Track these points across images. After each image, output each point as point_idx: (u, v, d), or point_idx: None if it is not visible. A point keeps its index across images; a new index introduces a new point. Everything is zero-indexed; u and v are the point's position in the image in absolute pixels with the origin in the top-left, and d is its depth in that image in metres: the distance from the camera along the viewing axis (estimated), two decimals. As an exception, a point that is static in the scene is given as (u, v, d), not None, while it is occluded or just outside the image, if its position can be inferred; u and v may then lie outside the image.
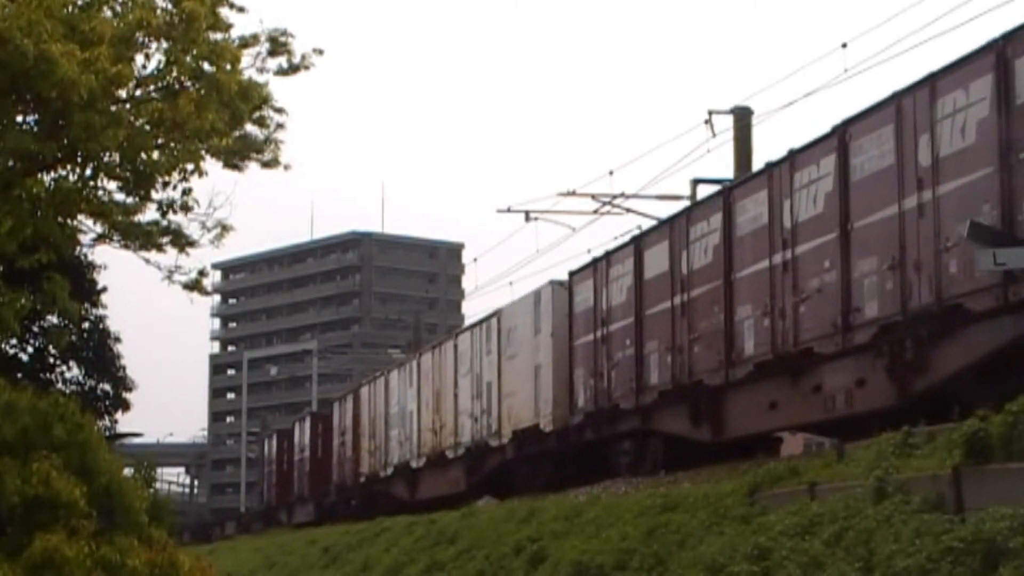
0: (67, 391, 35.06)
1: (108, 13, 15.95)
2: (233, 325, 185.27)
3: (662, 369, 28.65)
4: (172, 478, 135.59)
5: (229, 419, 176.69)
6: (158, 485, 20.70)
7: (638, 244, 30.31)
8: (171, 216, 16.92)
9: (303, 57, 17.30)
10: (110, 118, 15.49)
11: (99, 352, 40.15)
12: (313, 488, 60.12)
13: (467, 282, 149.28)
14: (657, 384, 28.88)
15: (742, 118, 36.56)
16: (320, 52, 17.47)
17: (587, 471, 31.49)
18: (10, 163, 15.78)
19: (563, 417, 33.81)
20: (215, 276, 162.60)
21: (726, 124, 36.69)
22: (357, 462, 53.76)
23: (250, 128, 17.34)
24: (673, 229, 28.70)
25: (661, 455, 29.03)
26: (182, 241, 17.12)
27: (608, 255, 31.90)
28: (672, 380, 28.12)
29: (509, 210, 42.67)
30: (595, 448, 32.39)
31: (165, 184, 16.45)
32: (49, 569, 14.78)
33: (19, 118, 16.01)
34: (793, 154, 24.14)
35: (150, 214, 17.06)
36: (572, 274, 34.24)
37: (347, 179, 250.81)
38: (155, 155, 16.13)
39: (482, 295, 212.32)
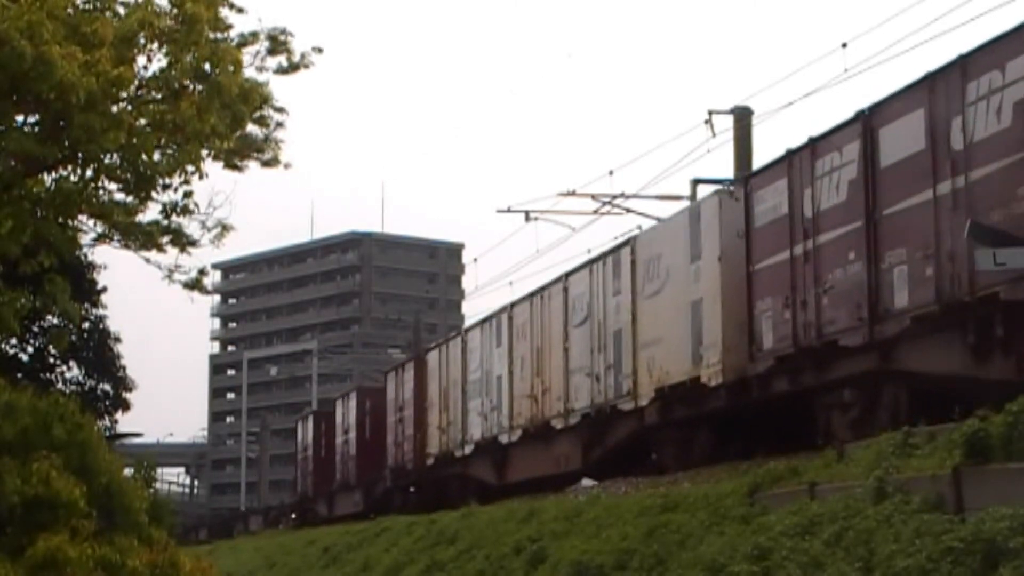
0: (67, 391, 35.08)
1: (110, 15, 15.96)
2: (233, 325, 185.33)
3: (917, 286, 20.92)
4: (172, 478, 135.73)
5: (229, 419, 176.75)
6: (158, 485, 20.68)
7: (867, 121, 22.18)
8: (172, 217, 16.94)
9: (303, 56, 17.33)
10: (111, 120, 15.50)
11: (99, 352, 40.18)
12: (361, 474, 53.26)
13: (467, 282, 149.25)
14: (907, 307, 21.13)
15: (742, 118, 36.55)
16: (320, 51, 17.51)
17: (775, 436, 24.35)
18: (12, 164, 15.78)
19: (738, 365, 25.79)
20: (215, 276, 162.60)
21: (726, 124, 36.69)
22: (422, 441, 45.83)
23: (250, 127, 17.36)
24: (934, 88, 20.69)
25: (906, 405, 21.45)
26: (182, 240, 17.13)
27: (812, 143, 23.81)
28: (937, 298, 20.35)
29: (509, 210, 42.67)
30: (791, 403, 24.67)
31: (166, 186, 16.47)
32: (51, 569, 14.79)
33: (20, 119, 16.02)
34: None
35: (150, 214, 17.09)
36: (750, 177, 26.91)
37: (347, 179, 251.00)
38: (156, 157, 16.14)
39: (482, 295, 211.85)
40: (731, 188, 27.71)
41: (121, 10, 16.06)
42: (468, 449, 41.22)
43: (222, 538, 69.64)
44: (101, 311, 40.76)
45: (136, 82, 15.88)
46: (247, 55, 16.84)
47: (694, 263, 27.43)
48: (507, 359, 38.04)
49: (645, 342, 29.54)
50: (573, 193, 40.47)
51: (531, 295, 36.97)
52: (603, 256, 32.44)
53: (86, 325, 39.54)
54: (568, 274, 34.58)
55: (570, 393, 33.67)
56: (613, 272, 31.61)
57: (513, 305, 38.00)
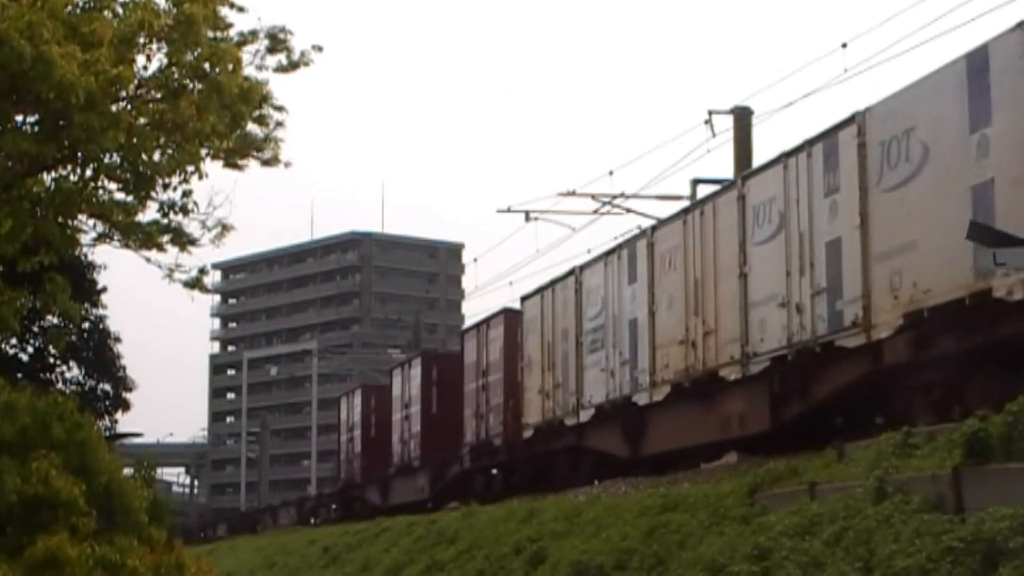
0: (67, 391, 35.07)
1: (109, 15, 15.96)
2: (233, 325, 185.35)
3: None
4: (172, 478, 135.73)
5: (229, 419, 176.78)
6: (157, 485, 20.69)
7: None
8: (172, 216, 16.93)
9: (302, 54, 17.32)
10: (110, 119, 15.50)
11: (99, 352, 40.15)
12: (428, 455, 45.56)
13: (467, 282, 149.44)
14: None
15: (742, 118, 36.56)
16: (319, 49, 17.50)
17: None
18: (9, 164, 15.78)
19: None
20: (215, 276, 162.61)
21: (726, 124, 36.71)
22: (516, 410, 37.58)
23: (250, 126, 17.35)
24: None
25: None
26: (183, 240, 17.12)
27: None
28: None
29: (509, 210, 42.68)
30: None
31: (165, 186, 16.47)
32: (51, 569, 14.79)
33: (20, 119, 16.02)
34: None
35: (150, 213, 17.08)
36: None
37: (347, 179, 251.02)
38: (155, 156, 16.14)
39: (482, 295, 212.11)
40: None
41: (120, 10, 16.06)
42: (586, 415, 32.79)
43: (245, 534, 66.34)
44: (101, 311, 40.76)
45: (135, 81, 15.88)
46: (247, 54, 16.84)
47: (976, 133, 19.59)
48: (646, 297, 29.72)
49: (884, 251, 21.69)
50: (573, 193, 40.48)
51: (684, 212, 28.88)
52: (803, 146, 24.05)
53: (86, 325, 39.51)
54: (746, 176, 26.46)
55: (750, 332, 25.51)
56: (825, 163, 23.35)
57: (655, 228, 29.99)
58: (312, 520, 61.12)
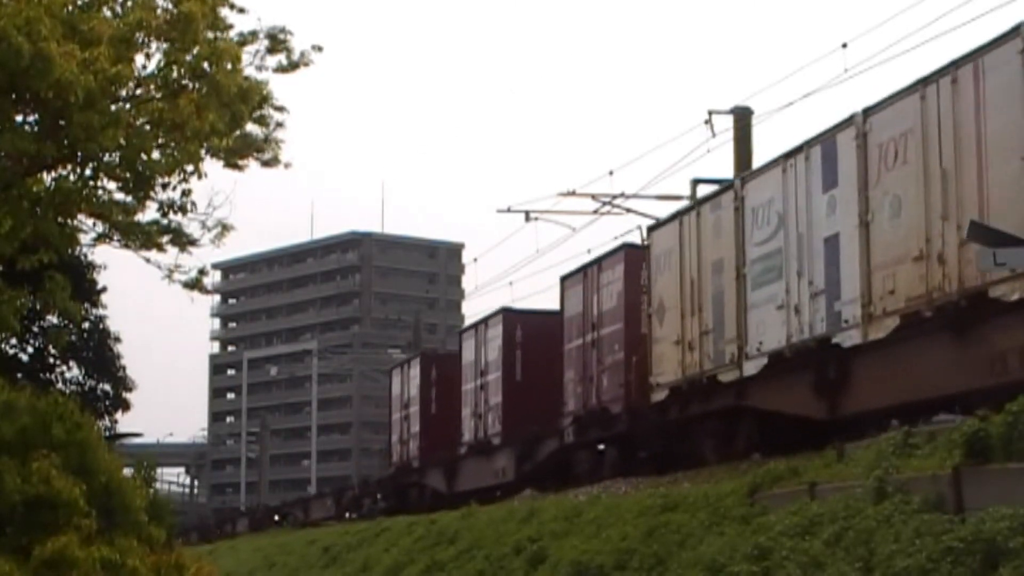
0: (67, 391, 35.04)
1: (108, 13, 15.96)
2: (233, 325, 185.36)
3: None
4: (172, 478, 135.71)
5: (229, 419, 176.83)
6: (158, 485, 20.68)
7: None
8: (171, 216, 16.93)
9: (302, 54, 17.33)
10: (110, 118, 15.49)
11: (99, 352, 40.11)
12: (511, 430, 38.32)
13: (467, 282, 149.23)
14: None
15: (742, 118, 36.56)
16: (319, 49, 17.50)
17: None
18: (9, 163, 15.77)
19: None
20: (215, 276, 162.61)
21: (726, 124, 36.70)
22: (642, 368, 30.12)
23: (250, 127, 17.36)
24: None
25: None
26: (183, 240, 17.12)
27: None
28: None
29: (509, 210, 42.68)
30: None
31: (165, 185, 16.46)
32: (57, 569, 14.79)
33: (19, 118, 16.01)
34: None
35: (150, 213, 17.08)
36: None
37: (347, 179, 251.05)
38: (155, 156, 16.13)
39: (482, 295, 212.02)
40: None
41: (118, 8, 16.05)
42: (753, 367, 25.78)
43: (270, 530, 59.67)
44: (101, 311, 40.71)
45: (134, 80, 15.87)
46: (247, 54, 16.85)
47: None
48: (855, 206, 22.69)
49: None
50: (573, 193, 40.48)
51: (920, 83, 21.08)
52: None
53: (86, 325, 39.46)
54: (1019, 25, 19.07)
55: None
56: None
57: (869, 112, 22.29)
58: (349, 514, 54.88)
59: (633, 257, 31.95)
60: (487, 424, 40.33)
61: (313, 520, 58.07)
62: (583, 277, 34.21)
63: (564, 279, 35.65)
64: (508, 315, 40.10)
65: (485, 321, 41.42)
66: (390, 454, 51.75)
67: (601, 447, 32.83)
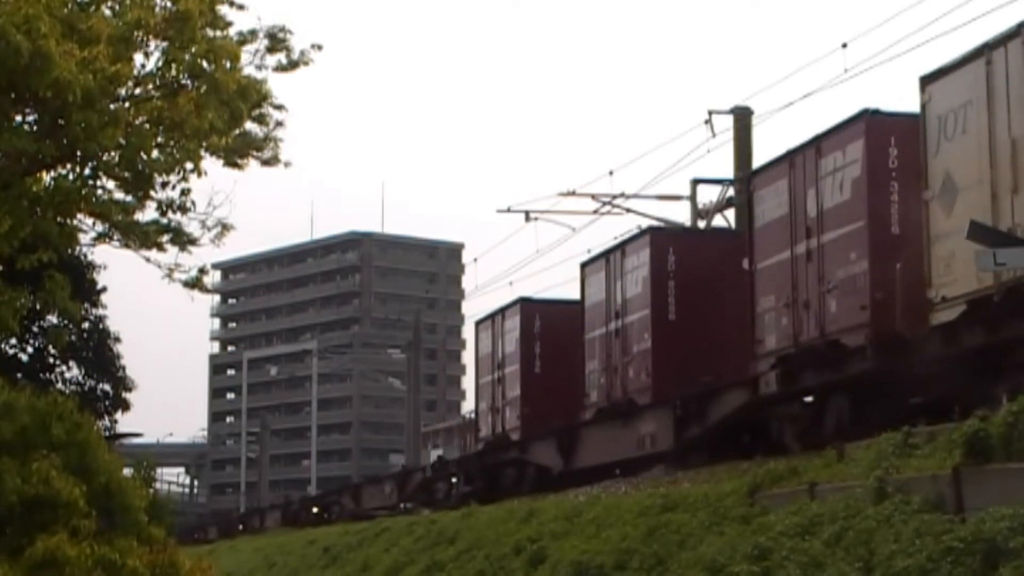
0: (67, 391, 35.06)
1: (107, 12, 15.95)
2: (233, 325, 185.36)
3: None
4: (172, 478, 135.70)
5: (229, 419, 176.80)
6: (158, 485, 20.67)
7: None
8: (171, 215, 16.92)
9: (302, 53, 17.30)
10: (109, 117, 15.47)
11: (99, 352, 40.15)
12: (664, 384, 29.41)
13: (467, 282, 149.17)
14: None
15: (742, 118, 36.61)
16: (319, 48, 17.48)
17: None
18: (8, 163, 15.76)
19: None
20: (215, 276, 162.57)
21: (726, 124, 36.77)
22: (910, 278, 21.52)
23: (250, 126, 17.33)
24: None
25: None
26: (182, 239, 17.10)
27: None
28: None
29: (509, 210, 42.74)
30: None
31: (164, 184, 16.45)
32: (50, 569, 14.77)
33: (18, 117, 16.00)
34: None
35: (150, 213, 17.06)
36: None
37: (347, 179, 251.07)
38: (154, 155, 16.12)
39: (482, 295, 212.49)
40: None
41: (117, 7, 16.04)
42: None
43: (313, 524, 51.48)
44: (101, 311, 40.77)
45: (134, 79, 15.86)
46: (246, 53, 16.82)
47: None
48: None
49: None
50: (573, 193, 40.55)
51: None
52: None
53: (86, 325, 39.51)
54: None
55: None
56: None
57: None
58: (403, 505, 47.25)
59: (874, 128, 23.19)
60: (625, 379, 31.25)
61: (367, 511, 49.40)
62: (788, 168, 25.26)
63: (750, 178, 28.19)
64: (657, 236, 31.63)
65: (624, 246, 32.32)
66: (476, 427, 42.47)
67: (808, 399, 24.78)
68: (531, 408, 37.38)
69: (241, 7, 16.70)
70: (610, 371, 32.09)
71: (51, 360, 38.91)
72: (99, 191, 16.37)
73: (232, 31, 16.69)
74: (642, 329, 30.86)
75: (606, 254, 33.20)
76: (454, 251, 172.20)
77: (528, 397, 37.58)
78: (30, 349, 38.25)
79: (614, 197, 40.09)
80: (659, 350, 30.14)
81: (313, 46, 17.48)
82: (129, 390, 40.88)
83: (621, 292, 31.79)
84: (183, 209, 16.69)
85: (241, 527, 67.28)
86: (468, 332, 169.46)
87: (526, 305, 38.65)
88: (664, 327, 30.20)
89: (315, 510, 58.16)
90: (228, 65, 15.92)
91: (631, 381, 31.08)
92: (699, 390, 27.89)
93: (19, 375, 31.91)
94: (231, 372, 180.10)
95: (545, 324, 37.66)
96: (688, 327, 29.79)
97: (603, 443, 32.19)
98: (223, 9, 16.48)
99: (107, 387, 40.40)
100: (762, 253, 26.03)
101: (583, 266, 34.88)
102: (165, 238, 17.07)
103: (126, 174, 16.05)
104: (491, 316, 40.61)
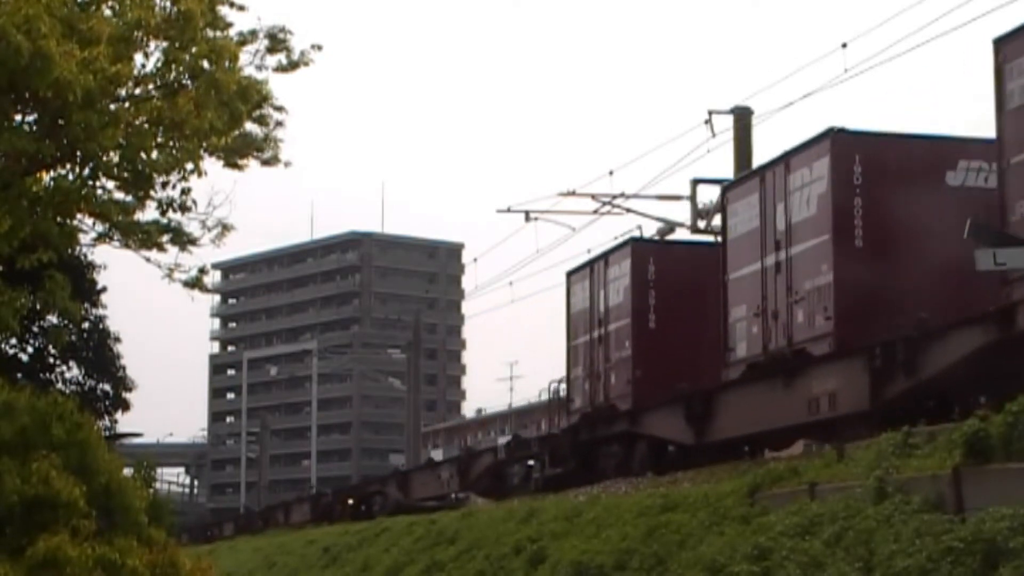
0: (67, 391, 35.05)
1: (107, 12, 15.95)
2: (233, 325, 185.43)
3: None
4: (172, 478, 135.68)
5: (229, 419, 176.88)
6: (158, 485, 20.67)
7: None
8: (171, 215, 16.93)
9: (302, 54, 17.32)
10: (109, 117, 15.48)
11: (99, 352, 40.13)
12: (852, 328, 23.71)
13: (467, 282, 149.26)
14: None
15: (742, 118, 36.61)
16: (319, 48, 17.50)
17: None
18: (8, 163, 15.76)
19: None
20: (215, 276, 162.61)
21: (726, 124, 36.77)
22: None
23: (250, 126, 17.35)
24: None
25: None
26: (183, 239, 17.11)
27: None
28: None
29: (509, 210, 42.71)
30: None
31: (164, 184, 16.46)
32: (51, 569, 14.77)
33: (18, 117, 16.00)
34: None
35: (150, 213, 17.07)
36: None
37: (347, 179, 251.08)
38: (154, 155, 16.13)
39: (482, 295, 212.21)
40: None
41: (117, 7, 16.05)
42: None
43: (344, 520, 45.86)
44: (101, 311, 40.74)
45: (134, 79, 15.87)
46: (246, 54, 16.84)
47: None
48: None
49: None
50: (573, 193, 40.53)
51: None
52: None
53: (86, 325, 39.48)
54: None
55: None
56: None
57: None
58: (455, 495, 43.11)
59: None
60: (791, 325, 25.20)
61: (417, 503, 43.40)
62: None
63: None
64: (840, 140, 24.45)
65: (788, 158, 25.73)
66: (568, 398, 35.77)
67: None
68: (645, 371, 31.30)
69: (241, 8, 16.73)
70: (767, 316, 26.00)
71: (51, 360, 38.89)
72: (99, 191, 16.38)
73: (232, 31, 16.72)
74: (824, 253, 24.59)
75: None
76: (454, 251, 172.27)
77: (641, 357, 31.45)
78: (30, 349, 38.23)
79: (614, 197, 40.10)
80: (842, 281, 24.02)
81: (313, 46, 17.52)
82: (129, 390, 40.87)
83: (786, 216, 25.58)
84: (183, 209, 16.71)
85: (262, 523, 60.85)
86: (468, 332, 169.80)
87: (638, 247, 32.78)
88: (849, 252, 24.20)
89: (350, 502, 51.57)
90: (228, 65, 15.93)
91: (799, 328, 25.04)
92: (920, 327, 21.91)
93: (19, 375, 31.90)
94: (231, 372, 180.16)
95: (662, 269, 31.91)
96: (884, 246, 24.18)
97: (753, 408, 26.24)
98: (223, 9, 16.51)
99: (107, 387, 40.38)
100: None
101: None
102: (165, 238, 17.09)
103: (126, 174, 16.06)
104: (589, 264, 34.63)
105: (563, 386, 36.37)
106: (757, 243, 26.36)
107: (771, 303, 25.91)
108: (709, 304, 28.56)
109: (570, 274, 35.99)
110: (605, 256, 33.69)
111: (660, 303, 31.69)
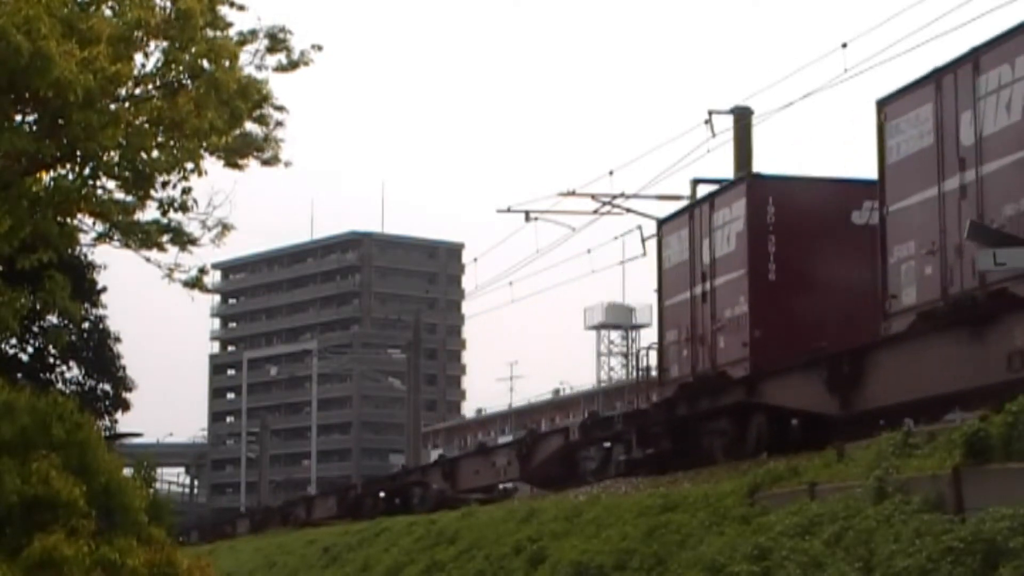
0: (67, 391, 35.07)
1: (107, 12, 15.96)
2: (233, 325, 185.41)
3: None
4: (172, 478, 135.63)
5: (229, 419, 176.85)
6: (158, 485, 20.66)
7: None
8: (171, 215, 16.95)
9: (302, 53, 17.35)
10: (109, 117, 15.50)
11: (99, 352, 40.17)
12: None
13: (467, 282, 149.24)
14: None
15: (742, 118, 36.60)
16: (319, 48, 17.53)
17: None
18: (8, 163, 15.77)
19: None
20: (215, 276, 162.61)
21: (726, 124, 36.75)
22: None
23: (250, 126, 17.37)
24: None
25: None
26: (183, 239, 17.13)
27: None
28: None
29: (509, 210, 42.68)
30: None
31: (164, 184, 16.47)
32: (48, 568, 14.77)
33: (18, 117, 16.01)
34: None
35: (150, 212, 17.09)
36: None
37: (347, 179, 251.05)
38: (154, 154, 16.14)
39: (482, 295, 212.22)
40: None
41: (116, 7, 16.05)
42: None
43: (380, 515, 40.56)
44: (101, 311, 40.78)
45: (134, 79, 15.88)
46: (246, 53, 16.87)
47: None
48: None
49: None
50: (573, 193, 40.51)
51: None
52: None
53: (86, 325, 39.52)
54: None
55: None
56: None
57: None
58: (502, 486, 39.43)
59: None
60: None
61: (465, 495, 39.38)
62: None
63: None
64: None
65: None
66: (660, 367, 30.70)
67: None
68: (765, 330, 26.50)
69: (241, 7, 16.76)
70: (945, 252, 21.58)
71: (51, 360, 38.91)
72: (99, 191, 16.41)
73: (232, 31, 16.75)
74: None
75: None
76: (454, 251, 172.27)
77: (760, 315, 26.58)
78: (30, 349, 38.26)
79: (614, 197, 40.08)
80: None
81: (313, 46, 17.55)
82: (129, 390, 40.91)
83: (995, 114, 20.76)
84: (183, 209, 16.74)
85: (281, 519, 56.97)
86: (468, 332, 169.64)
87: (756, 184, 27.67)
88: None
89: (382, 494, 46.94)
90: (228, 65, 15.94)
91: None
92: None
93: (19, 375, 31.92)
94: (231, 372, 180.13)
95: (784, 210, 26.91)
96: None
97: (925, 368, 21.60)
98: (223, 9, 16.52)
99: (107, 387, 40.42)
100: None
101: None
102: (165, 238, 17.11)
103: (126, 174, 16.08)
104: (687, 209, 30.13)
105: (651, 355, 31.73)
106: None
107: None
108: (844, 250, 25.51)
109: (662, 223, 31.27)
110: (710, 198, 28.91)
111: (782, 250, 26.67)
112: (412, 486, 45.02)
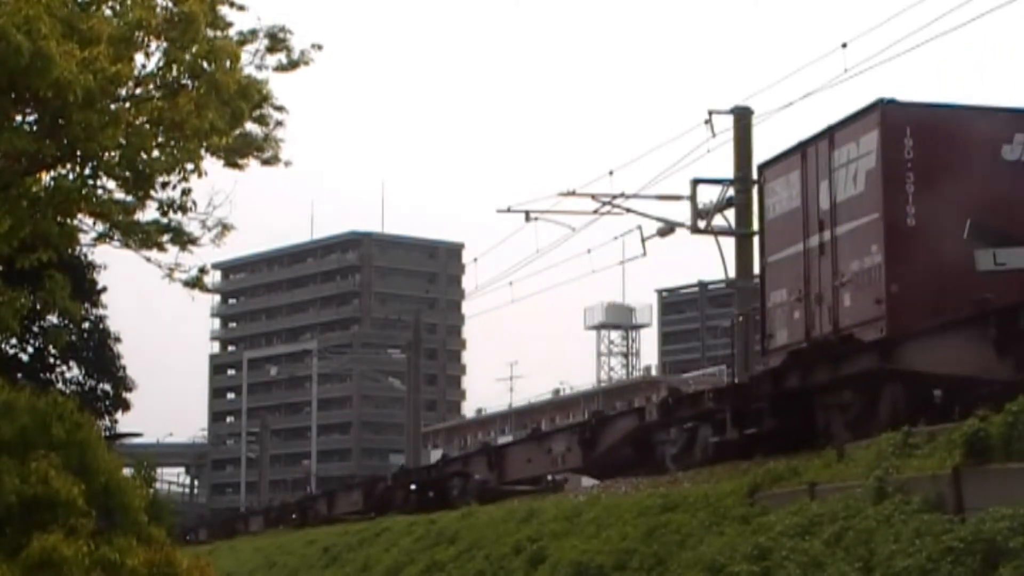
0: (67, 391, 35.07)
1: (108, 12, 15.96)
2: (233, 325, 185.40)
3: None
4: (172, 478, 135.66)
5: (229, 419, 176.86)
6: (158, 485, 20.67)
7: None
8: (171, 215, 16.94)
9: (302, 53, 17.37)
10: (109, 117, 15.49)
11: (99, 352, 40.18)
12: None
13: (467, 282, 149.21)
14: None
15: (742, 118, 36.55)
16: (319, 47, 17.54)
17: None
18: (8, 163, 15.77)
19: None
20: (215, 276, 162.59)
21: (726, 124, 36.69)
22: None
23: (250, 126, 17.38)
24: None
25: None
26: (183, 239, 17.13)
27: None
28: None
29: (509, 210, 42.59)
30: None
31: (164, 184, 16.47)
32: (47, 568, 14.76)
33: (18, 117, 16.00)
34: None
35: (150, 213, 17.09)
36: None
37: (347, 179, 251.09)
38: (155, 154, 16.14)
39: (482, 295, 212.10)
40: None
41: (118, 7, 16.05)
42: None
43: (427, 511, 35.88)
44: (101, 311, 40.81)
45: (134, 79, 15.87)
46: (246, 53, 16.88)
47: None
48: None
49: None
50: (573, 193, 40.43)
51: None
52: None
53: (86, 325, 39.54)
54: None
55: None
56: None
57: None
58: (552, 478, 36.29)
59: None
60: None
61: (513, 487, 36.12)
62: None
63: None
64: None
65: None
66: (763, 333, 26.35)
67: None
68: (904, 285, 22.37)
69: (241, 7, 16.76)
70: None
71: (51, 360, 38.93)
72: (99, 191, 16.40)
73: (232, 31, 16.75)
74: None
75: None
76: (454, 251, 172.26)
77: (897, 267, 22.42)
78: (30, 349, 38.27)
79: (614, 197, 40.01)
80: None
81: (313, 46, 17.55)
82: (129, 390, 40.93)
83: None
84: (183, 209, 16.73)
85: (295, 517, 53.17)
86: (469, 331, 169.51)
87: (890, 111, 22.93)
88: None
89: (413, 486, 42.52)
90: (228, 65, 15.94)
91: None
92: None
93: (19, 375, 31.92)
94: (231, 372, 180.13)
95: (925, 144, 22.78)
96: None
97: None
98: (223, 9, 16.52)
99: (107, 387, 40.44)
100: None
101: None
102: (165, 238, 17.11)
103: (126, 174, 16.07)
104: (798, 148, 25.10)
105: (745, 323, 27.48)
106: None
107: None
108: (994, 190, 22.20)
109: (764, 167, 26.74)
110: (829, 132, 24.22)
111: (922, 191, 22.57)
112: (451, 477, 40.62)
